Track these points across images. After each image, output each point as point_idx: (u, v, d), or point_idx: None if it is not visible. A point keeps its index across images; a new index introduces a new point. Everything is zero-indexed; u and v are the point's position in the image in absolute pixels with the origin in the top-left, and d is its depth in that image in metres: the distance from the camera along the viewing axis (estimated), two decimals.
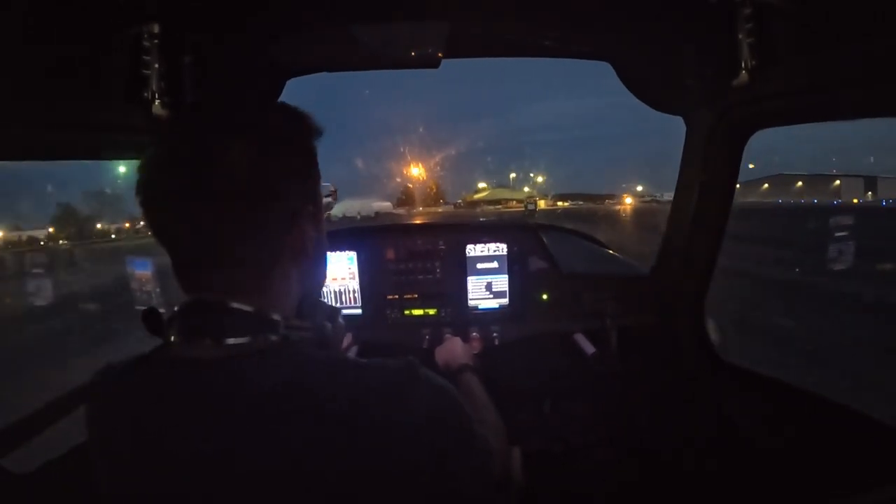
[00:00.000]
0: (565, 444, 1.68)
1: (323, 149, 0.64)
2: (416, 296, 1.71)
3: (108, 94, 0.97)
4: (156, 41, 0.92)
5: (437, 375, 0.60)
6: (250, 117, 0.59)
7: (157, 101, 0.95)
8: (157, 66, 0.94)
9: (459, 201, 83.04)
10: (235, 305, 0.55)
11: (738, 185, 1.40)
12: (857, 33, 0.83)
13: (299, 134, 0.62)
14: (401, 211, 51.09)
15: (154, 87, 0.95)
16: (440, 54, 1.15)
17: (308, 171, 0.62)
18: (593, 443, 1.70)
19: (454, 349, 1.38)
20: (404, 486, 0.52)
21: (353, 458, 0.50)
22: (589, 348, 1.60)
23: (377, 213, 43.75)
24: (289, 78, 1.32)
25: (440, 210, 59.04)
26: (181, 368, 0.55)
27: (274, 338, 0.56)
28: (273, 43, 1.09)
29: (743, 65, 0.98)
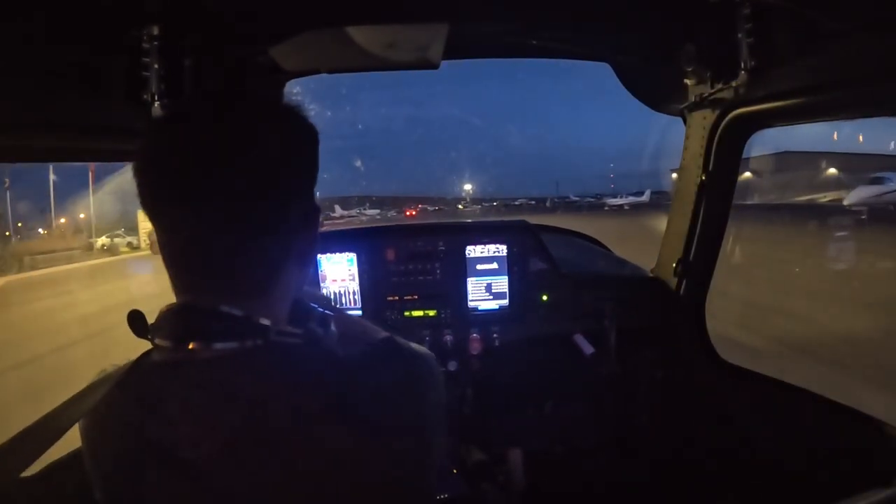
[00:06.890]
0: (566, 446, 1.68)
1: None
2: (416, 297, 1.71)
3: (108, 97, 0.96)
4: (155, 43, 0.92)
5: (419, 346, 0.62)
6: (274, 112, 0.59)
7: (156, 104, 0.95)
8: (156, 67, 0.93)
9: None
10: (225, 309, 0.53)
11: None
12: (856, 33, 0.83)
13: (313, 133, 0.61)
14: None
15: (154, 90, 0.94)
16: (439, 56, 1.15)
17: (317, 172, 0.62)
18: (594, 444, 1.70)
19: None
20: (392, 467, 0.52)
21: (341, 460, 0.50)
22: (588, 349, 1.60)
23: None
24: (289, 79, 1.32)
25: None
26: (169, 372, 0.54)
27: (261, 343, 0.54)
28: (272, 44, 1.09)
29: (742, 65, 0.98)
